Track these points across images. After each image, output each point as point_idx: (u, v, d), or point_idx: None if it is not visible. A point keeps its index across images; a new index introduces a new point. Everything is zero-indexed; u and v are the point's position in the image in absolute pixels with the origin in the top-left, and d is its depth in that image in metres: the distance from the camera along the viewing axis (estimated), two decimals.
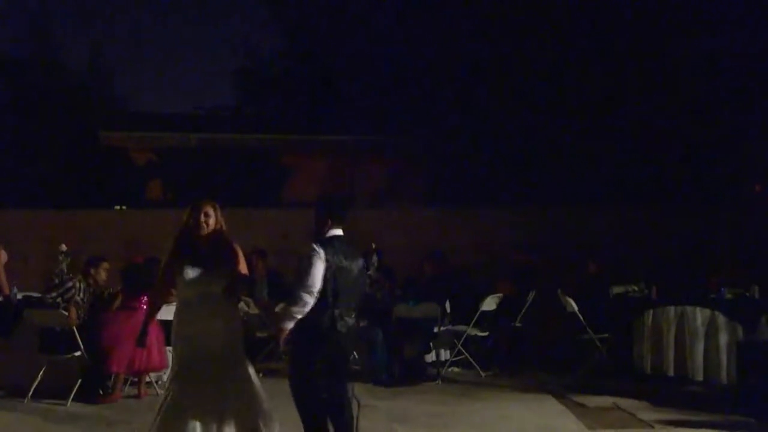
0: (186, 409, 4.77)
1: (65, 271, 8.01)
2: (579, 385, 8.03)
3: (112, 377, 7.49)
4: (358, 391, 7.52)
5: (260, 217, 11.75)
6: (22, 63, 21.03)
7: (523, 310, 9.24)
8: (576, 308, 8.63)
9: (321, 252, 4.94)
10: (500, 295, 8.92)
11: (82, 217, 12.10)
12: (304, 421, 5.06)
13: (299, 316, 4.89)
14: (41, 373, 7.37)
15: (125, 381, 7.62)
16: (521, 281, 9.88)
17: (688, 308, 8.00)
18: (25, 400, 7.28)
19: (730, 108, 14.66)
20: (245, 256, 5.26)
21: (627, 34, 15.34)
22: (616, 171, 15.10)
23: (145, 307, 7.47)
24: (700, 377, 7.90)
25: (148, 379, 7.69)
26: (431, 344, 8.71)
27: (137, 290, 7.62)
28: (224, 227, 5.10)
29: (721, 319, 7.84)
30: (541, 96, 15.39)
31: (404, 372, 8.42)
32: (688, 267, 10.27)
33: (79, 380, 7.34)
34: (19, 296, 8.54)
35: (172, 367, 5.27)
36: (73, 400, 7.23)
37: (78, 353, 7.41)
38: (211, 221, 5.03)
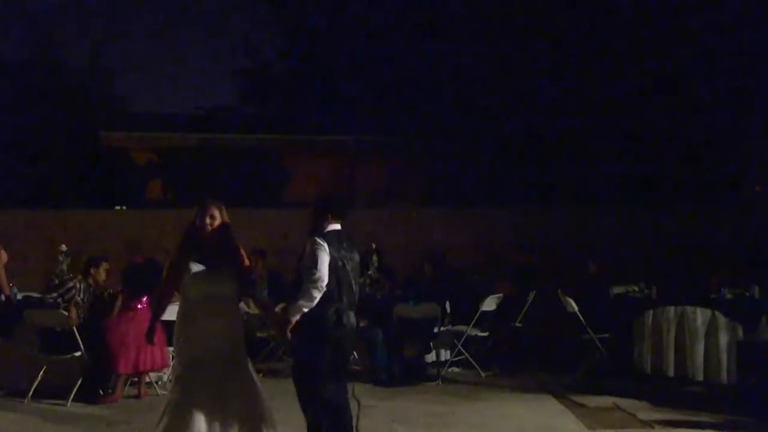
0: (190, 409, 4.77)
1: (65, 271, 8.01)
2: (579, 385, 8.03)
3: (113, 377, 7.48)
4: (358, 391, 7.60)
5: (260, 217, 11.74)
6: (22, 63, 21.06)
7: (523, 311, 9.23)
8: (576, 308, 8.62)
9: (325, 245, 4.95)
10: (500, 295, 8.90)
11: (82, 217, 12.10)
12: (308, 418, 5.02)
13: (306, 310, 4.89)
14: (41, 373, 7.36)
15: (125, 381, 7.62)
16: (521, 281, 9.88)
17: (688, 308, 7.98)
18: (25, 400, 7.28)
19: (730, 108, 14.67)
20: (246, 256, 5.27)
21: (627, 34, 15.36)
22: (616, 171, 15.10)
23: (145, 307, 7.51)
24: (700, 377, 7.88)
25: (148, 380, 7.69)
26: (431, 344, 8.69)
27: (137, 291, 7.62)
28: (230, 227, 5.12)
29: (721, 319, 7.84)
30: (541, 96, 15.40)
31: (404, 372, 8.41)
32: (688, 267, 10.26)
33: (80, 380, 7.34)
34: (19, 296, 8.53)
35: (174, 368, 5.27)
36: (73, 400, 7.22)
37: (78, 353, 7.40)
38: (217, 223, 5.05)
